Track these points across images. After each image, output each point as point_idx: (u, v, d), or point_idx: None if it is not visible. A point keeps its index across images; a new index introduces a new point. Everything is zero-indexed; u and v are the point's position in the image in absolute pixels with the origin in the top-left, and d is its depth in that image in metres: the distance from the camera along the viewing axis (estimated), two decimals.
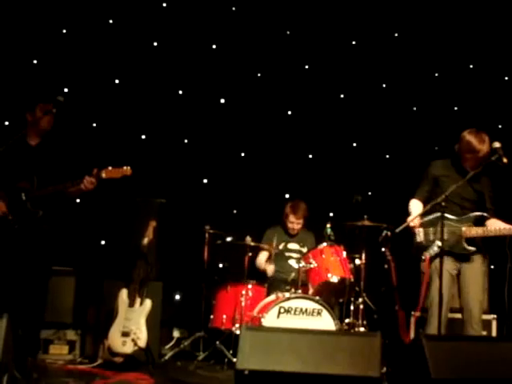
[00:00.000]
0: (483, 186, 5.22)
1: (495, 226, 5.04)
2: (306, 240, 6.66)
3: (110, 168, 5.13)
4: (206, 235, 6.31)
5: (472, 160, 5.08)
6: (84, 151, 6.63)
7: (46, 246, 5.10)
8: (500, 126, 7.49)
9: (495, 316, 5.96)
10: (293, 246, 6.63)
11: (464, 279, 5.13)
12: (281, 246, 6.57)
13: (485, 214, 5.13)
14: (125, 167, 5.16)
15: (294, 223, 6.57)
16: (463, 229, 5.07)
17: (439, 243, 4.91)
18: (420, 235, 5.19)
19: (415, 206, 5.28)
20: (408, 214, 5.20)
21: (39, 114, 5.13)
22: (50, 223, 5.13)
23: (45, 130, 5.21)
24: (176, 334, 6.74)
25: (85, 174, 5.07)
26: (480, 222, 5.12)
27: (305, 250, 6.55)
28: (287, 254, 6.57)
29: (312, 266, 5.87)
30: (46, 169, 5.13)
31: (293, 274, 6.14)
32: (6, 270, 4.97)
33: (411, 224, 5.09)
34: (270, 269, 6.53)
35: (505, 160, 4.95)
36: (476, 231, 5.05)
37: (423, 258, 5.08)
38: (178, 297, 7.13)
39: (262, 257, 6.64)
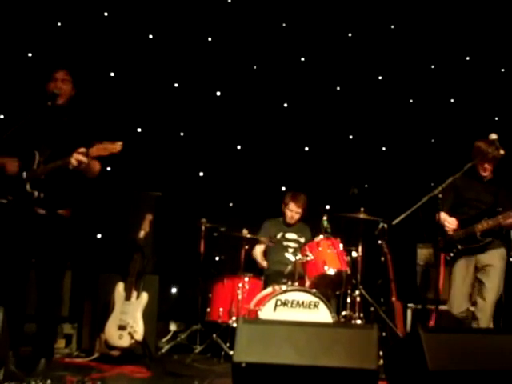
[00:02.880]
0: (498, 188, 5.31)
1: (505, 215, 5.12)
2: (303, 231, 6.66)
3: (97, 145, 4.61)
4: (203, 228, 6.30)
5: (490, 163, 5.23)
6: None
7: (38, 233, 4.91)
8: (496, 118, 7.50)
9: None
10: (291, 235, 6.62)
11: (483, 276, 5.21)
12: (279, 236, 6.59)
13: (499, 210, 5.20)
14: (116, 142, 4.65)
15: (294, 211, 6.57)
16: (476, 225, 5.19)
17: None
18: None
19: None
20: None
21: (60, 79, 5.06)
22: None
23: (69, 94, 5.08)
24: (173, 327, 6.74)
25: None
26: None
27: (303, 240, 6.57)
28: (285, 243, 6.56)
29: (309, 258, 5.87)
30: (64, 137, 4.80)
31: (289, 267, 6.14)
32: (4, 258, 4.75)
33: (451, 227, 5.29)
34: (264, 264, 6.58)
35: (502, 151, 5.00)
36: (487, 223, 5.15)
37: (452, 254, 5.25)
38: (174, 290, 7.13)
39: (259, 248, 6.65)
